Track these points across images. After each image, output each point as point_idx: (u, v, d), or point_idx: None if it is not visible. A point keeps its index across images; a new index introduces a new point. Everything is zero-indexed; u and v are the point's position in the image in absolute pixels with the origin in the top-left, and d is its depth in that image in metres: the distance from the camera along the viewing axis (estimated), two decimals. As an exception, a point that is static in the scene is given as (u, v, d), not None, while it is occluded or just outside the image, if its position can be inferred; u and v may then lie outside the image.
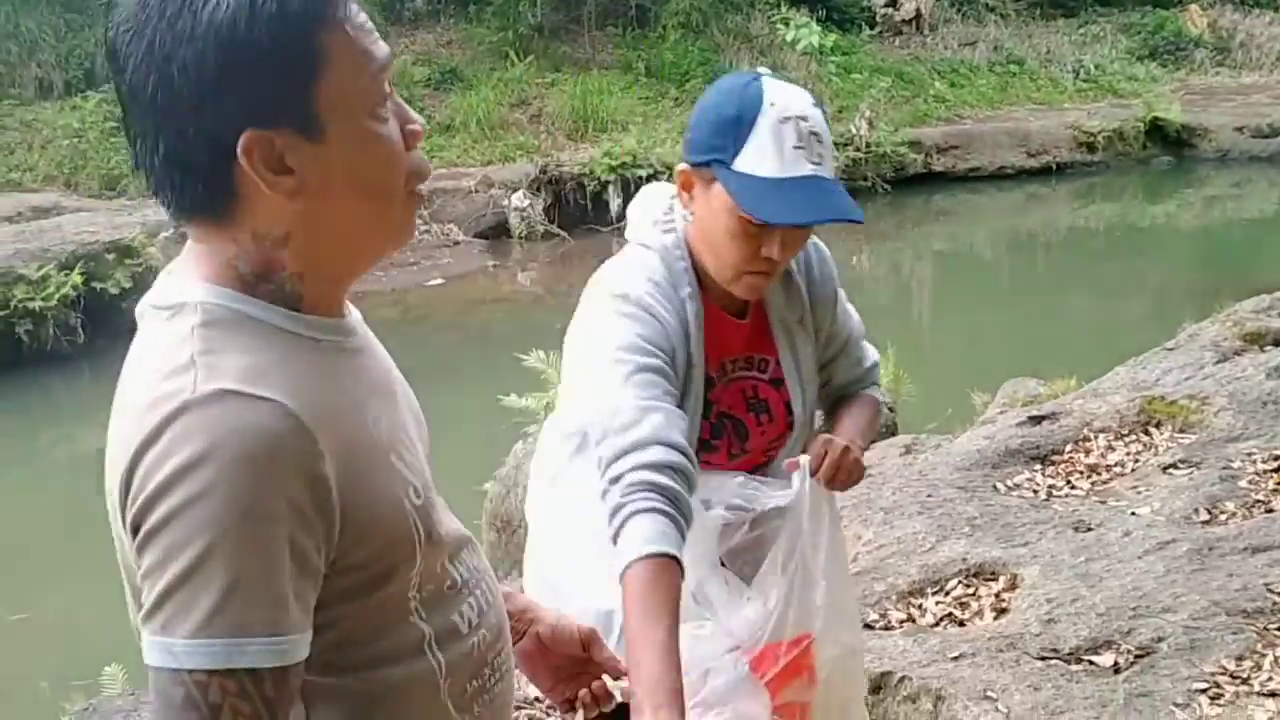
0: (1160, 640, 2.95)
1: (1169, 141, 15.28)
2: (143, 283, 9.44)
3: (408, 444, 1.07)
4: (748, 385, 1.73)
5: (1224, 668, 2.83)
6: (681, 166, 1.64)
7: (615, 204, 12.59)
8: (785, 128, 1.53)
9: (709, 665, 1.59)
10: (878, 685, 2.87)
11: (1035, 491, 4.11)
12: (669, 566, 1.44)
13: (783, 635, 1.65)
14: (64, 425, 8.42)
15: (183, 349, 0.93)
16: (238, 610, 0.89)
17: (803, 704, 1.69)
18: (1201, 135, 15.22)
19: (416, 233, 1.07)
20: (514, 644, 1.22)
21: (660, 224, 1.73)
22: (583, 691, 1.28)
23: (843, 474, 1.69)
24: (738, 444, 1.71)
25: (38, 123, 12.65)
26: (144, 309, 1.02)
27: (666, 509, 1.48)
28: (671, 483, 1.49)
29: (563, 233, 12.30)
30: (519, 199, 12.24)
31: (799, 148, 1.53)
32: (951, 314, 10.39)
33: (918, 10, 18.95)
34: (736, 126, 1.55)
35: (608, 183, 12.63)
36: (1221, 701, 2.72)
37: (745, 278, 1.63)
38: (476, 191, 12.10)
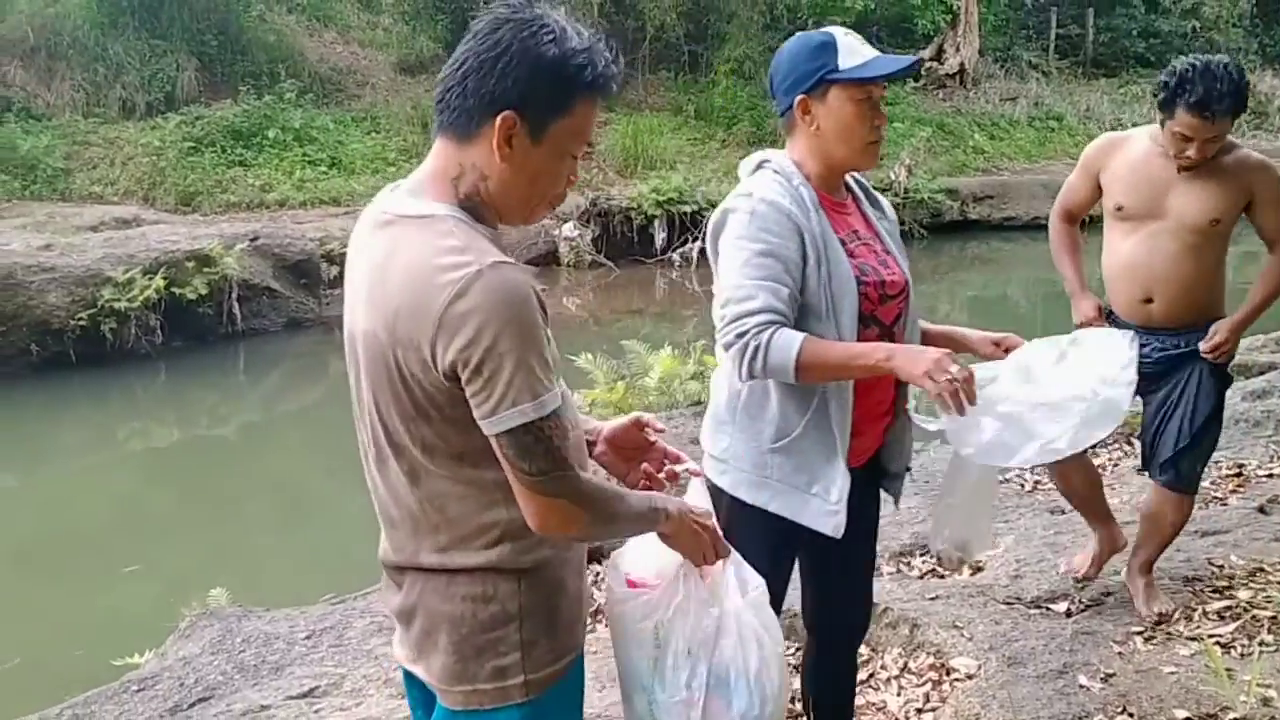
0: (1108, 595, 3.45)
1: (1202, 198, 15.62)
2: (217, 290, 10.00)
3: None
4: (873, 248, 2.34)
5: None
6: (799, 98, 2.25)
7: (660, 237, 13.18)
8: (851, 39, 2.25)
9: None
10: (865, 615, 3.39)
11: (1023, 485, 4.61)
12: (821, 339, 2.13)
13: None
14: (139, 419, 8.93)
15: (451, 239, 1.50)
16: (543, 383, 1.49)
17: None
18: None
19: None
20: (591, 453, 1.85)
21: (761, 162, 2.34)
22: (644, 466, 1.88)
23: None
24: (876, 281, 2.28)
25: (120, 140, 13.29)
26: (393, 217, 1.58)
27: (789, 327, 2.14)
28: (784, 325, 2.12)
29: (609, 262, 12.89)
30: (569, 229, 12.82)
31: (864, 45, 2.25)
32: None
33: (962, 65, 19.51)
34: (826, 49, 2.24)
35: (654, 217, 13.22)
36: (1154, 642, 3.21)
37: (869, 147, 2.27)
38: (529, 221, 12.69)
